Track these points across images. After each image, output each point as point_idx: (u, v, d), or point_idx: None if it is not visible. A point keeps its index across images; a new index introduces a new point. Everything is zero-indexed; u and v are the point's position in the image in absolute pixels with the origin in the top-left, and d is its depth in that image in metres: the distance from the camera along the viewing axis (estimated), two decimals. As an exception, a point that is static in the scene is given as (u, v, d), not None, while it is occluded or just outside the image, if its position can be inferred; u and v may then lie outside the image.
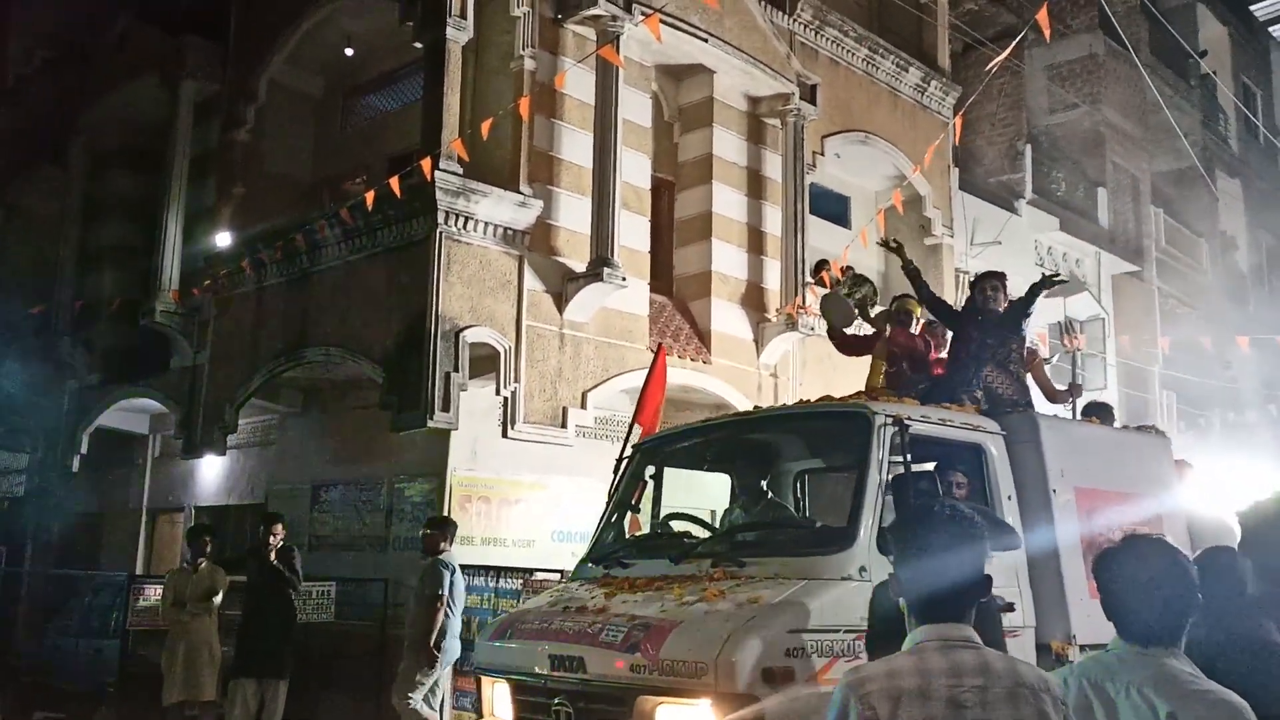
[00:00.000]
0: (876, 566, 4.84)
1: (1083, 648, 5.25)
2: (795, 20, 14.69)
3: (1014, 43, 11.98)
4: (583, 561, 6.05)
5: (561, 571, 7.87)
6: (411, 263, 11.03)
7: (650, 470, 6.43)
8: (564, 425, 11.54)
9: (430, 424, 10.53)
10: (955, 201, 17.10)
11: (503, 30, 11.74)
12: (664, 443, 6.61)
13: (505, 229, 11.30)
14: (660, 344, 8.68)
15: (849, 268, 8.90)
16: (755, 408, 8.04)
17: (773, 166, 14.15)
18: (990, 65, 11.40)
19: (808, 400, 6.61)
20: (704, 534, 6.04)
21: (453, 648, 8.31)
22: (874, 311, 8.02)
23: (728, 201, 13.62)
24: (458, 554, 10.82)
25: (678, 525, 6.25)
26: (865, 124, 15.70)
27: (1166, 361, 20.30)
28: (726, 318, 13.33)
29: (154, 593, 11.22)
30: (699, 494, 7.50)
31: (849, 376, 9.61)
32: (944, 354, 7.40)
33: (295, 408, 13.58)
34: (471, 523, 11.03)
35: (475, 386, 10.99)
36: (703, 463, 6.91)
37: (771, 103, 14.02)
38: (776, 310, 13.62)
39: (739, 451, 6.64)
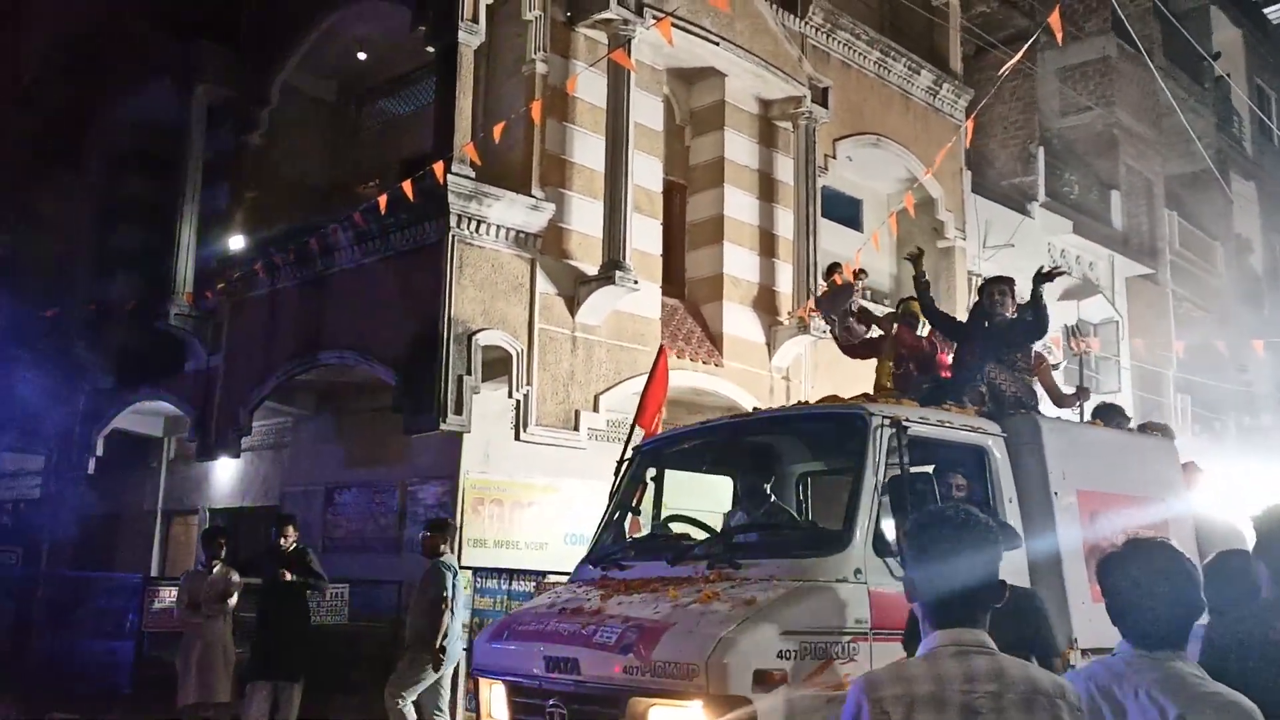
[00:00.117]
0: (872, 569, 4.83)
1: (1085, 652, 5.22)
2: (807, 23, 14.69)
3: (1026, 45, 11.95)
4: (582, 563, 6.04)
5: (572, 574, 7.88)
6: (424, 266, 11.07)
7: (651, 472, 6.42)
8: (576, 428, 11.56)
9: (443, 427, 10.56)
10: (968, 204, 17.07)
11: (515, 34, 11.77)
12: (663, 445, 6.59)
13: (517, 232, 11.33)
14: (661, 345, 8.67)
15: (861, 270, 8.87)
16: (754, 409, 8.01)
17: (784, 169, 14.14)
18: (1003, 68, 11.37)
19: (806, 401, 6.60)
20: (703, 536, 6.03)
21: (454, 649, 8.32)
22: (880, 312, 7.98)
23: (739, 204, 13.62)
24: (470, 557, 10.88)
25: (678, 527, 6.24)
26: (877, 127, 15.69)
27: (1181, 365, 20.21)
28: (738, 321, 13.33)
29: (169, 595, 11.28)
30: (709, 497, 7.49)
31: (861, 380, 9.58)
32: (948, 355, 7.37)
33: (309, 410, 13.64)
34: (484, 525, 11.06)
35: (488, 389, 11.01)
36: (702, 465, 6.89)
37: (783, 106, 14.02)
38: (788, 313, 13.62)
39: (738, 453, 6.61)
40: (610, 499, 6.41)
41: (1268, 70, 28.66)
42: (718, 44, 12.81)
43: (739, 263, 13.48)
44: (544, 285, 11.54)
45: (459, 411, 10.58)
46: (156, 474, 16.04)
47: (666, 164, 13.08)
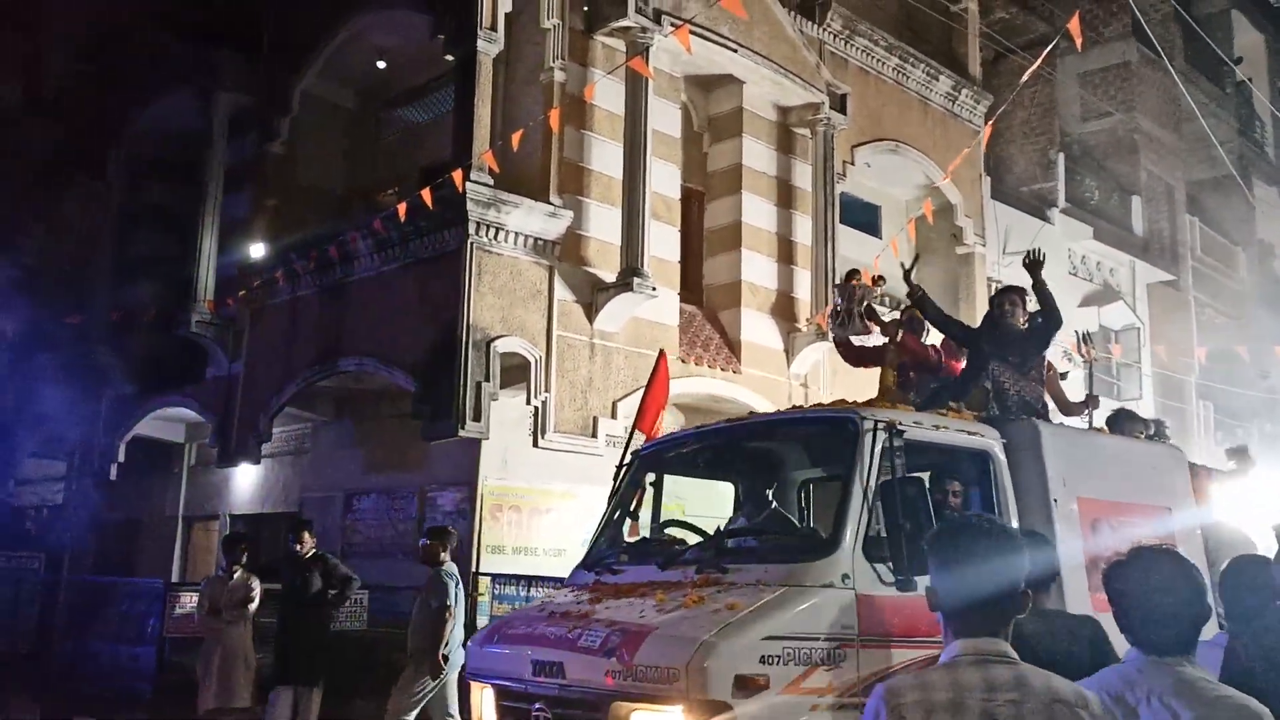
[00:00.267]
0: (861, 574, 4.77)
1: None
2: (825, 30, 14.68)
3: (1046, 51, 11.91)
4: (577, 567, 6.02)
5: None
6: (443, 273, 11.11)
7: (650, 477, 6.38)
8: (594, 435, 11.57)
9: (461, 433, 10.60)
10: (987, 210, 17.00)
11: (533, 42, 11.82)
12: (661, 449, 6.53)
13: (536, 239, 11.36)
14: (660, 350, 8.65)
15: (880, 277, 8.84)
16: (750, 413, 7.94)
17: (802, 176, 14.13)
18: (1023, 74, 11.33)
19: (801, 406, 6.56)
20: (696, 541, 5.99)
21: (456, 657, 8.32)
22: (887, 318, 7.91)
23: (757, 211, 13.62)
24: (489, 563, 10.90)
25: (675, 533, 6.19)
26: (896, 133, 15.66)
27: (1203, 371, 20.06)
28: (756, 327, 13.32)
29: (190, 600, 11.35)
30: (717, 503, 7.46)
31: (877, 386, 9.56)
32: (960, 363, 7.31)
33: (328, 417, 13.71)
34: (503, 532, 11.08)
35: (506, 396, 11.04)
36: (702, 470, 6.82)
37: (801, 112, 14.01)
38: (806, 320, 13.60)
39: (739, 459, 6.57)
40: (608, 503, 6.39)
41: (1290, 74, 28.44)
42: (735, 51, 12.82)
43: (757, 269, 13.47)
44: (562, 292, 11.56)
45: (477, 418, 10.62)
46: (178, 480, 16.14)
47: (684, 171, 13.10)
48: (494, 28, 11.36)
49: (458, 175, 10.29)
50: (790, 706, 4.40)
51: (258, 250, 13.64)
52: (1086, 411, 7.62)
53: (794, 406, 6.56)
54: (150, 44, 16.00)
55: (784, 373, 13.48)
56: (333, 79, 14.27)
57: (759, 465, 6.56)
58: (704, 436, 6.41)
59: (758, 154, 13.73)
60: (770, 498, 6.30)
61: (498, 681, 5.26)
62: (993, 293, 7.46)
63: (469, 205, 10.68)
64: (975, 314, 14.71)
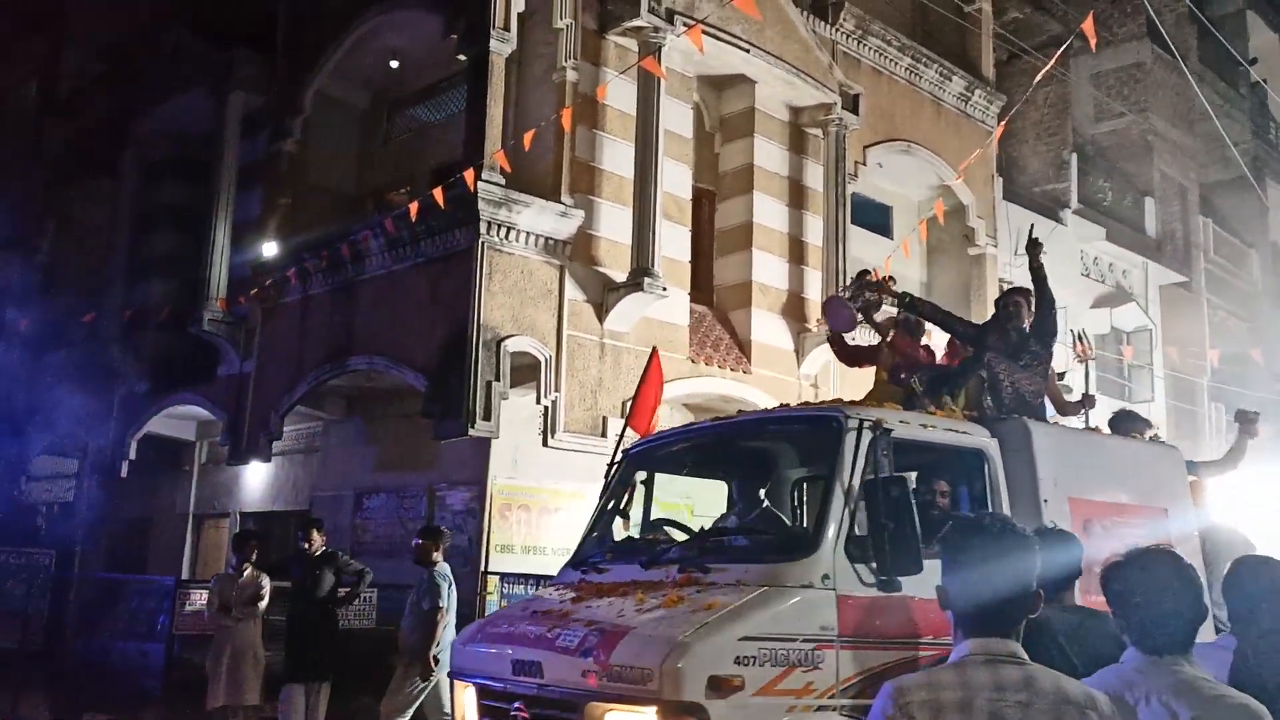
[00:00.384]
0: (842, 574, 4.72)
1: None
2: (838, 30, 14.66)
3: (1059, 51, 11.86)
4: (564, 566, 5.98)
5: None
6: (454, 272, 11.13)
7: (642, 475, 6.32)
8: (604, 434, 11.56)
9: (471, 432, 10.61)
10: (999, 211, 16.96)
11: (545, 42, 11.83)
12: (650, 448, 6.45)
13: (547, 239, 11.37)
14: (654, 348, 8.61)
15: (890, 277, 8.78)
16: (739, 411, 7.87)
17: (814, 176, 14.11)
18: (1036, 74, 11.30)
19: (787, 404, 6.51)
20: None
21: (448, 657, 8.32)
22: (879, 318, 7.81)
23: (769, 211, 13.60)
24: (498, 562, 10.91)
25: (675, 532, 6.11)
26: (908, 133, 15.63)
27: (1215, 373, 19.97)
28: (767, 328, 13.31)
29: (200, 598, 11.38)
30: (725, 501, 7.43)
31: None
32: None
33: (339, 415, 13.74)
34: (512, 531, 11.09)
35: (516, 395, 11.05)
36: (693, 468, 6.74)
37: (813, 112, 13.99)
38: (817, 320, 13.57)
39: (723, 457, 6.49)
40: (598, 502, 6.37)
41: (1306, 76, 28.29)
42: (748, 51, 12.81)
43: (768, 270, 13.46)
44: (573, 292, 11.57)
45: (487, 417, 10.63)
46: (188, 478, 16.20)
47: (696, 171, 13.09)
48: (506, 28, 11.38)
49: (469, 175, 10.30)
50: (766, 708, 4.35)
51: (270, 249, 13.68)
52: (1083, 411, 7.54)
53: (782, 405, 6.48)
54: (164, 44, 16.07)
55: (794, 373, 13.46)
56: (345, 79, 14.31)
57: (748, 464, 6.48)
58: (692, 435, 6.37)
59: (769, 154, 13.72)
60: (762, 497, 6.23)
61: (479, 680, 5.24)
62: (997, 296, 7.35)
63: (480, 205, 10.69)
64: (986, 316, 14.68)
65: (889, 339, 7.40)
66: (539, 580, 10.03)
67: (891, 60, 15.52)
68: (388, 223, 11.54)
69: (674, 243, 12.26)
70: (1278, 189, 25.38)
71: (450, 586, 8.15)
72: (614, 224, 11.84)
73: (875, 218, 16.02)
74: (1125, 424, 7.25)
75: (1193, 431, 19.69)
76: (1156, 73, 21.61)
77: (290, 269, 13.01)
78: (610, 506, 6.21)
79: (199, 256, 14.50)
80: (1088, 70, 21.51)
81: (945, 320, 7.00)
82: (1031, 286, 6.58)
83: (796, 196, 13.98)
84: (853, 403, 5.72)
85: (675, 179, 12.40)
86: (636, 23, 11.83)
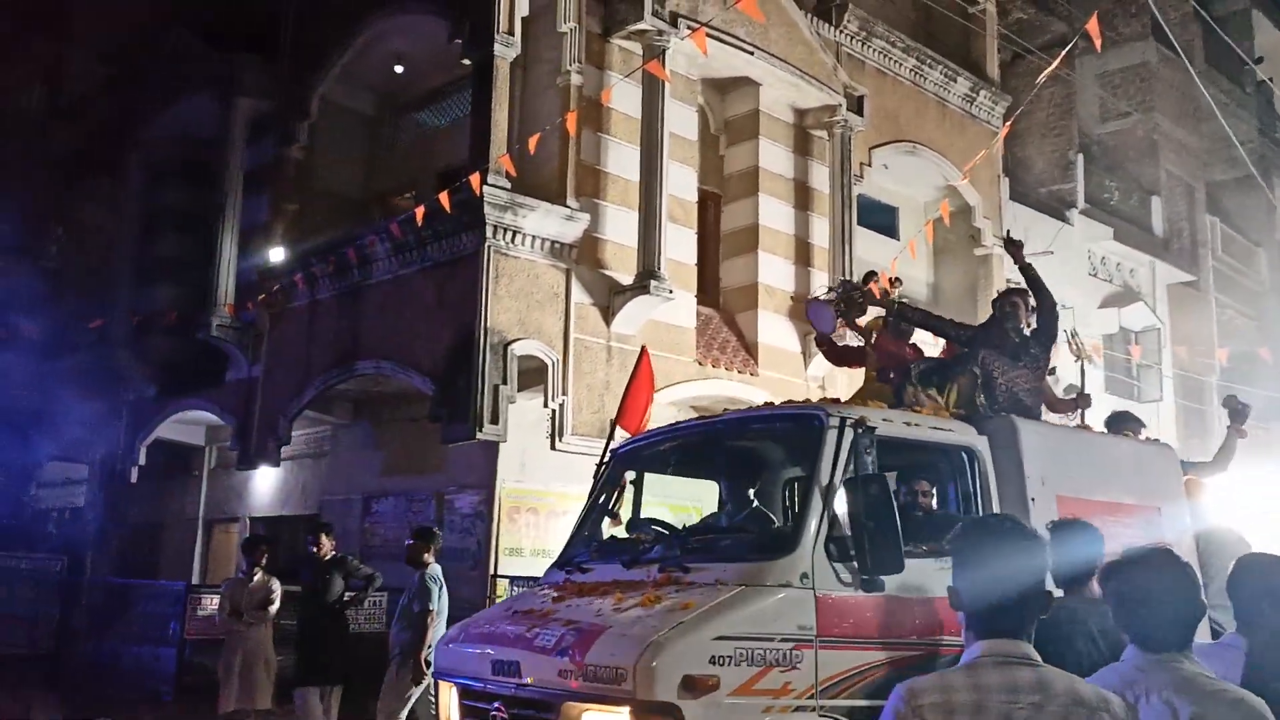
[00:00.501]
0: (821, 573, 4.68)
1: None
2: (842, 32, 14.66)
3: (1064, 51, 11.86)
4: (551, 566, 5.95)
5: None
6: (460, 276, 11.15)
7: (630, 475, 6.27)
8: (611, 437, 11.56)
9: (479, 436, 10.63)
10: (1005, 211, 16.95)
11: (550, 46, 11.85)
12: (638, 448, 6.40)
13: (553, 242, 11.38)
14: (643, 347, 8.60)
15: (897, 279, 8.74)
16: (725, 410, 7.82)
17: (819, 178, 14.11)
18: (1041, 75, 11.30)
19: (772, 402, 6.48)
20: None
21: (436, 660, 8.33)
22: (864, 321, 7.73)
23: (774, 213, 13.61)
24: (506, 565, 10.92)
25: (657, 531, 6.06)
26: (913, 134, 15.62)
27: (1224, 372, 19.91)
28: (773, 330, 13.31)
29: (211, 602, 11.41)
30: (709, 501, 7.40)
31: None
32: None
33: (347, 419, 13.76)
34: (520, 534, 11.10)
35: (523, 399, 11.07)
36: (682, 468, 6.65)
37: (818, 114, 14.00)
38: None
39: (709, 456, 6.41)
40: (586, 502, 6.33)
41: (1312, 73, 28.21)
42: (752, 54, 12.82)
43: (774, 272, 13.46)
44: (579, 295, 11.58)
45: (495, 421, 10.64)
46: (198, 483, 16.25)
47: (701, 173, 13.10)
48: (511, 32, 11.40)
49: (475, 179, 10.33)
50: (741, 708, 4.32)
51: (277, 254, 13.72)
52: (1076, 409, 7.49)
53: (766, 403, 6.46)
54: (170, 49, 16.12)
55: (801, 375, 13.46)
56: (351, 84, 14.34)
57: (734, 463, 6.39)
58: (678, 434, 6.28)
59: (774, 156, 13.72)
60: (752, 496, 6.18)
61: (460, 681, 5.23)
62: (995, 296, 7.21)
63: (486, 209, 10.71)
64: (993, 315, 14.67)
65: (874, 340, 7.33)
66: (547, 583, 10.04)
67: (896, 61, 15.52)
68: (394, 227, 11.57)
69: (680, 245, 12.27)
70: (1285, 187, 25.33)
71: (441, 588, 8.16)
72: (620, 227, 11.85)
73: (881, 219, 16.01)
74: (1119, 424, 7.19)
75: (1202, 430, 19.65)
76: (1162, 72, 21.58)
77: (297, 274, 13.05)
78: (598, 506, 6.16)
79: (206, 261, 14.54)
80: (1093, 70, 21.48)
81: (937, 326, 6.94)
82: (1031, 288, 6.51)
83: (802, 198, 13.98)
84: (836, 401, 5.69)
85: (680, 182, 12.41)
86: (640, 26, 11.85)
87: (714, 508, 6.62)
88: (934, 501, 5.73)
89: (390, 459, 12.93)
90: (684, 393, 12.15)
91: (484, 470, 11.23)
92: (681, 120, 12.53)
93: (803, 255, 13.83)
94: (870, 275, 8.75)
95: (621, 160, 11.98)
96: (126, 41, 17.60)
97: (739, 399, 12.59)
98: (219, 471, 16.00)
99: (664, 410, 12.00)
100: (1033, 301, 6.51)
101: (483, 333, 10.72)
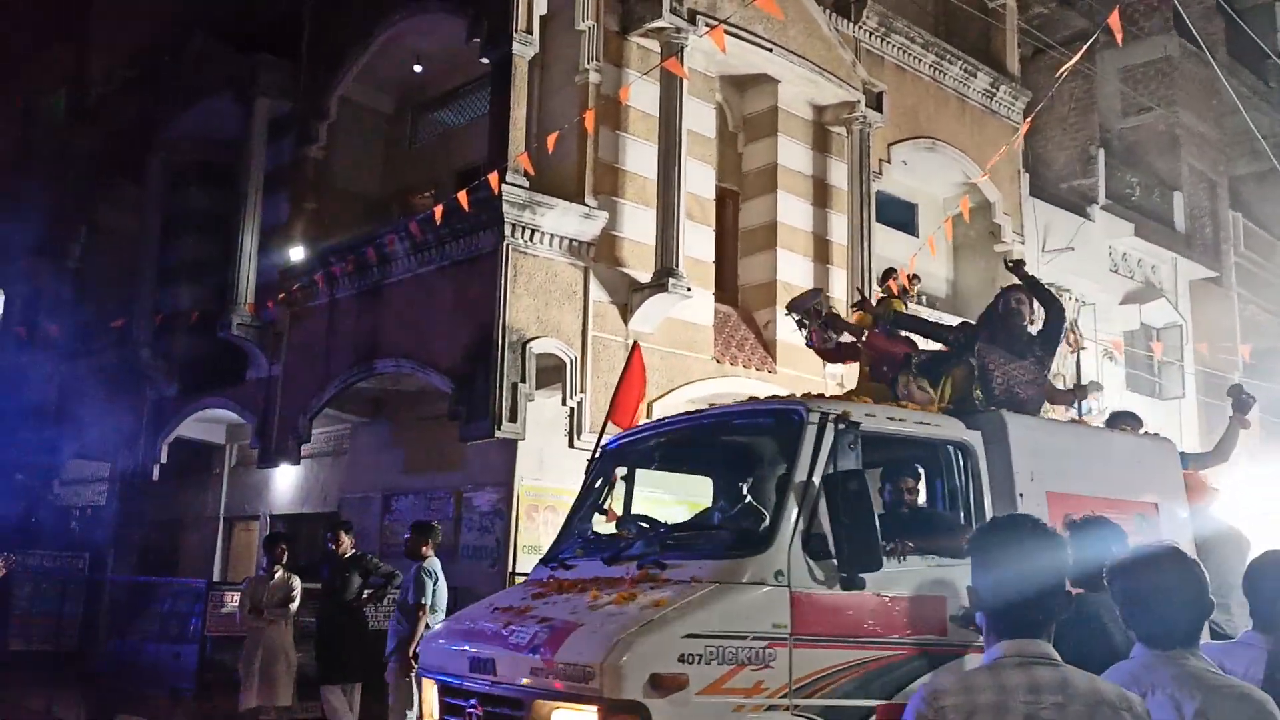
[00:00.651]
0: (797, 571, 4.63)
1: None
2: (861, 28, 14.61)
3: (1085, 46, 11.76)
4: (538, 563, 5.94)
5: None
6: (479, 275, 11.17)
7: (621, 470, 6.23)
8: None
9: (498, 434, 10.65)
10: (1026, 207, 16.85)
11: (568, 45, 11.85)
12: (627, 443, 6.36)
13: (571, 241, 11.39)
14: (635, 342, 8.55)
15: (915, 276, 8.71)
16: (710, 405, 7.77)
17: (838, 175, 14.07)
18: (1061, 70, 11.21)
19: (757, 397, 6.42)
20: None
21: None
22: (852, 318, 7.65)
23: (793, 210, 13.57)
24: (525, 563, 10.92)
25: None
26: (932, 131, 15.55)
27: (1247, 369, 19.72)
28: (791, 327, 13.18)
29: (231, 599, 11.48)
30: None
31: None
32: None
33: (366, 418, 13.82)
34: (538, 532, 11.11)
35: (542, 397, 11.08)
36: (665, 463, 6.59)
37: (837, 111, 13.95)
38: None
39: (698, 451, 6.40)
40: (576, 498, 6.29)
41: (1336, 67, 27.93)
42: (770, 50, 12.78)
43: (792, 269, 13.42)
44: (597, 293, 11.59)
45: (513, 419, 10.66)
46: (219, 481, 16.34)
47: (719, 171, 13.08)
48: (529, 30, 11.41)
49: (493, 177, 10.34)
50: (711, 707, 4.29)
51: (297, 253, 13.78)
52: (1074, 402, 7.40)
53: (750, 398, 6.41)
54: (189, 50, 16.21)
55: (819, 372, 13.41)
56: (370, 83, 14.39)
57: (723, 458, 6.40)
58: (664, 430, 6.23)
59: (793, 153, 13.69)
60: (745, 491, 6.13)
61: (441, 677, 5.24)
62: (997, 292, 7.08)
63: (504, 207, 10.73)
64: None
65: (865, 338, 7.28)
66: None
67: (915, 57, 15.45)
68: (413, 226, 11.60)
69: (698, 243, 12.25)
70: (1309, 182, 25.07)
71: (437, 582, 8.18)
72: (638, 225, 11.84)
73: (900, 215, 15.95)
74: (1117, 422, 7.14)
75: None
76: (1184, 66, 21.39)
77: (317, 273, 13.10)
78: (584, 502, 6.13)
79: (227, 261, 14.62)
80: (1114, 65, 21.31)
81: (933, 331, 6.88)
82: (1038, 297, 6.41)
83: (821, 195, 13.94)
84: (821, 396, 5.61)
85: (699, 179, 12.39)
86: (659, 24, 11.83)
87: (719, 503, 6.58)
88: (921, 498, 5.65)
89: (409, 457, 12.97)
90: (702, 391, 12.13)
91: (502, 468, 11.25)
92: (700, 118, 12.51)
93: (821, 252, 13.79)
94: (889, 272, 8.74)
95: (639, 158, 11.97)
96: (148, 44, 17.72)
97: (757, 397, 12.55)
98: (239, 469, 16.09)
99: (682, 408, 11.99)
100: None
101: (501, 331, 10.74)
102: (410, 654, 7.89)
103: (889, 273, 9.14)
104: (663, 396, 11.83)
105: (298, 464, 14.04)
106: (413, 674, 7.81)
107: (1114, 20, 9.50)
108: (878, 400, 5.71)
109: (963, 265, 16.82)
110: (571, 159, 11.51)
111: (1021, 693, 2.23)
